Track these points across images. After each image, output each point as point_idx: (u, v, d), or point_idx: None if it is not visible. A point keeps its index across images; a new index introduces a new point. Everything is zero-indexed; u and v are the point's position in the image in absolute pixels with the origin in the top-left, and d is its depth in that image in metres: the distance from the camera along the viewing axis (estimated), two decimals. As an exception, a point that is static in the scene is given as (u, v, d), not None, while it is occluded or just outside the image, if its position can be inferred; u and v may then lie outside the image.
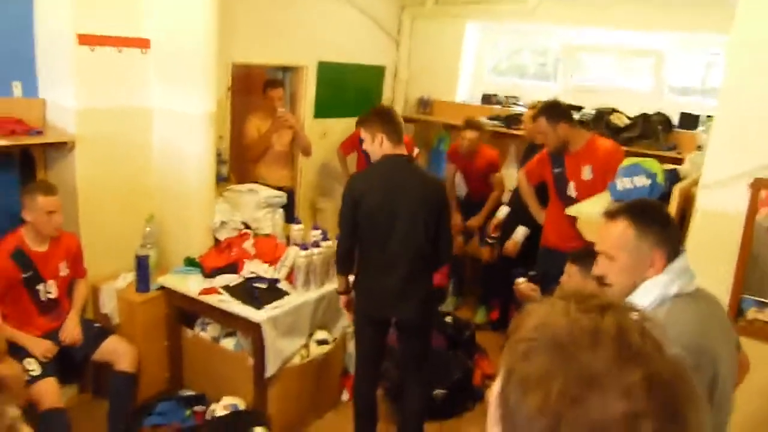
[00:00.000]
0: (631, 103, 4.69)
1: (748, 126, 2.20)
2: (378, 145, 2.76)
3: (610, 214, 1.63)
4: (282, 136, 4.39)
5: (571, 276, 2.81)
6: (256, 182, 4.18)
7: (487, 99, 5.42)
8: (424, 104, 5.61)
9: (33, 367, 2.79)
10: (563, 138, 3.30)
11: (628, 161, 2.55)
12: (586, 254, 2.82)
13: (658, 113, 4.47)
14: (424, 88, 5.66)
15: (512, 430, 0.59)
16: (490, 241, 4.61)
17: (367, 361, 2.99)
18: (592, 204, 2.53)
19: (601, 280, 1.62)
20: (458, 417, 3.59)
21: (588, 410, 0.54)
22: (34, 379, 2.75)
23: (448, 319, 4.20)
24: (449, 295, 4.91)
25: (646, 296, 1.51)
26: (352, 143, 4.85)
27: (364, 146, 2.85)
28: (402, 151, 2.81)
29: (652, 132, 4.37)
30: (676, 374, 0.57)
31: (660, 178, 2.45)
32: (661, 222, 1.62)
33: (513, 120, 4.99)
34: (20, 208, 2.91)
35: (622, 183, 2.47)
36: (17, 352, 2.79)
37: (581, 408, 0.54)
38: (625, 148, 4.18)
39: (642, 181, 2.46)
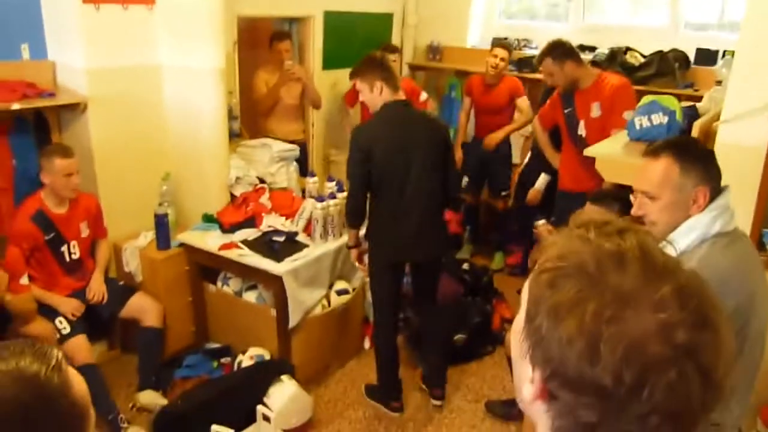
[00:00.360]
0: (646, 41, 4.58)
1: (769, 58, 2.15)
2: (378, 94, 2.77)
3: (652, 153, 1.61)
4: (291, 89, 4.33)
5: (590, 215, 2.82)
6: (268, 137, 4.17)
7: (497, 42, 5.30)
8: (434, 51, 5.51)
9: (64, 325, 2.88)
10: (571, 77, 3.28)
11: (645, 99, 2.50)
12: (604, 195, 2.83)
13: (674, 50, 4.37)
14: (434, 34, 5.54)
15: (546, 358, 0.60)
16: (503, 194, 4.64)
17: (387, 307, 3.05)
18: (610, 144, 2.50)
19: (640, 221, 1.60)
20: (479, 360, 3.67)
21: (624, 327, 0.56)
22: (65, 337, 2.84)
23: (465, 266, 4.24)
24: (465, 243, 4.96)
25: (688, 235, 1.51)
26: (356, 94, 4.78)
27: (362, 97, 2.84)
28: (401, 97, 2.84)
29: (669, 69, 4.28)
30: (701, 285, 0.60)
31: (678, 115, 2.41)
32: (704, 159, 1.61)
33: (525, 63, 4.90)
34: (38, 171, 2.95)
35: (640, 121, 2.43)
36: (47, 312, 2.88)
37: (618, 326, 0.56)
38: (641, 87, 4.15)
39: (659, 118, 2.42)
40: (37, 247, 2.92)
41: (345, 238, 3.35)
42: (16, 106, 2.83)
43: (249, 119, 4.52)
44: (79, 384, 0.75)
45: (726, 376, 0.58)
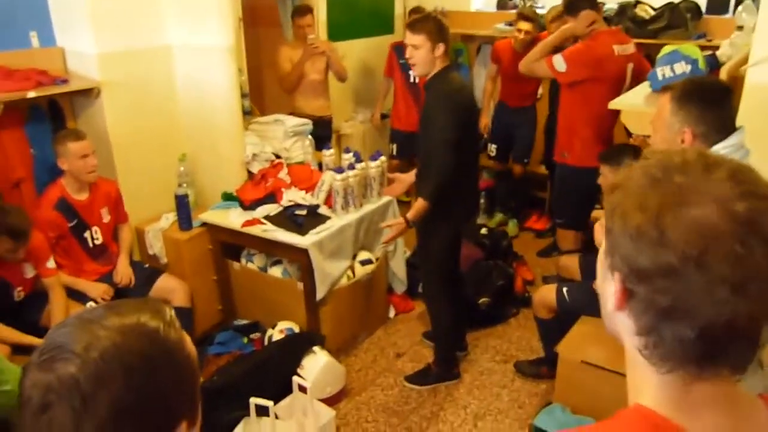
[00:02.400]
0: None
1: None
2: (438, 55, 2.64)
3: (663, 89, 1.76)
4: (316, 63, 4.25)
5: (605, 176, 2.85)
6: (293, 114, 4.12)
7: (503, 4, 5.25)
8: (438, 17, 5.44)
9: (95, 309, 2.90)
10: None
11: (666, 49, 2.47)
12: (613, 152, 2.86)
13: (685, 0, 4.30)
14: (437, -1, 5.47)
15: (622, 257, 0.65)
16: (526, 161, 4.62)
17: (451, 278, 3.07)
18: (633, 96, 2.48)
19: None
20: (504, 323, 3.69)
21: (687, 209, 0.60)
22: (98, 321, 2.86)
23: (484, 231, 4.25)
24: (481, 212, 4.96)
25: None
26: (390, 66, 4.82)
27: (415, 54, 2.65)
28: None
29: (680, 21, 4.21)
30: (753, 169, 0.65)
31: (701, 63, 2.38)
32: (704, 100, 1.65)
33: (532, 24, 4.83)
34: (55, 159, 2.96)
35: (662, 71, 2.40)
36: (78, 297, 2.91)
37: (681, 208, 0.61)
38: (653, 41, 4.12)
39: (682, 67, 2.39)
40: (62, 234, 2.94)
41: (366, 209, 3.35)
42: (32, 94, 2.83)
43: (258, 96, 4.49)
44: (189, 341, 0.79)
45: None
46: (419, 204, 2.71)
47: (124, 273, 3.11)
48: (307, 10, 4.20)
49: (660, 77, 2.42)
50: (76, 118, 3.30)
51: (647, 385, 0.69)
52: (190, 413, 0.76)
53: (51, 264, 2.79)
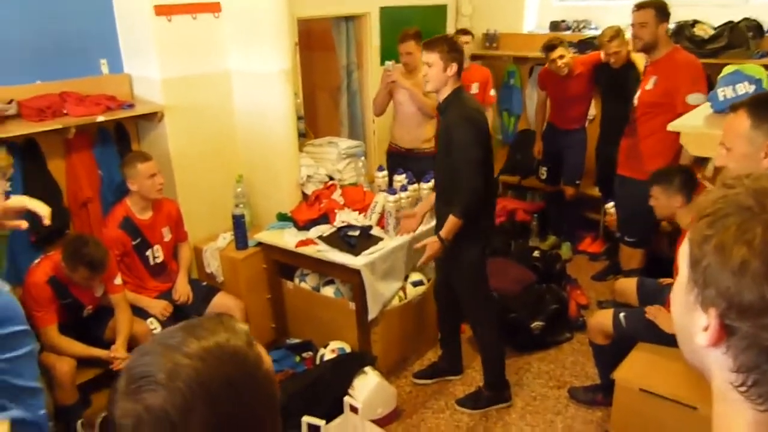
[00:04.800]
0: (714, 12, 4.40)
1: None
2: (450, 74, 2.69)
3: (733, 107, 1.72)
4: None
5: (657, 198, 2.80)
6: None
7: (555, 26, 5.22)
8: (490, 39, 5.46)
9: (155, 325, 3.01)
10: (658, 38, 3.21)
11: (727, 69, 2.41)
12: (662, 173, 2.81)
13: (746, 19, 4.18)
14: (489, 22, 5.49)
15: (720, 292, 0.61)
16: (577, 182, 4.56)
17: (493, 299, 3.12)
18: (693, 117, 2.43)
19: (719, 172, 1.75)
20: (557, 348, 3.62)
21: None
22: (158, 337, 2.97)
23: (536, 253, 4.19)
24: (533, 235, 4.91)
25: None
26: None
27: (428, 71, 2.70)
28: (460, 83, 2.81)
29: (741, 40, 4.10)
30: None
31: (765, 83, 2.31)
32: None
33: (586, 45, 4.79)
34: (120, 179, 3.10)
35: (724, 92, 2.34)
36: (140, 313, 3.01)
37: None
38: (712, 60, 4.01)
39: (745, 88, 2.33)
40: (126, 252, 3.07)
41: (418, 230, 3.35)
42: (101, 119, 2.98)
43: (312, 119, 4.57)
44: (266, 355, 0.80)
45: None
46: (451, 221, 2.73)
47: (182, 291, 3.21)
48: (410, 36, 3.86)
49: (721, 98, 2.36)
50: (140, 141, 3.45)
51: (742, 420, 0.66)
52: (273, 423, 0.79)
53: (118, 281, 2.91)
